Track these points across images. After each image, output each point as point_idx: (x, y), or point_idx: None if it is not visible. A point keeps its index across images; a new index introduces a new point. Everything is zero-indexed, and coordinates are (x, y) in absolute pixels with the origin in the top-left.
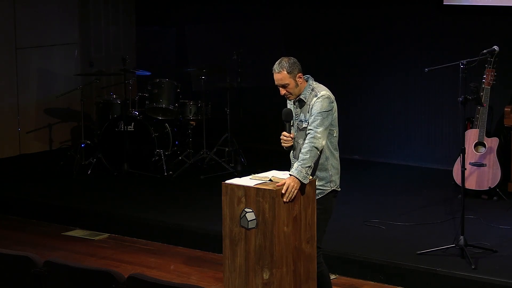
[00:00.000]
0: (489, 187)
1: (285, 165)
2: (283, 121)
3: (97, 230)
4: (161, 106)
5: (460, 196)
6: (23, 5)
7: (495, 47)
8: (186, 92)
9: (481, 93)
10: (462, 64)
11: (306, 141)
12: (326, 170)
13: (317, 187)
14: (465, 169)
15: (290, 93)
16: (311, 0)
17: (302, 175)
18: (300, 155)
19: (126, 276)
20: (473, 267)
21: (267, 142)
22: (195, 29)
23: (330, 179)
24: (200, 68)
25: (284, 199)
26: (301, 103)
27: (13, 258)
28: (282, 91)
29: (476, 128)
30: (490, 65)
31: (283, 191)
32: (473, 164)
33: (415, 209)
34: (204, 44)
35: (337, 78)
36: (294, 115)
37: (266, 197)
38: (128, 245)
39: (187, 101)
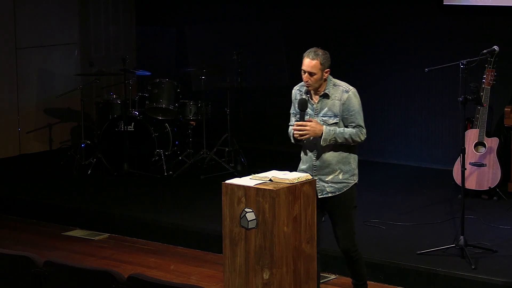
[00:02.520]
0: (489, 187)
1: (285, 165)
2: (299, 110)
3: (97, 230)
4: (161, 106)
5: (460, 196)
6: (23, 5)
7: (495, 47)
8: (186, 92)
9: (481, 93)
10: (462, 64)
11: (356, 129)
12: (349, 163)
13: (342, 180)
14: (465, 169)
15: (312, 84)
16: (311, 0)
17: (329, 135)
18: (347, 128)
19: (126, 276)
20: (473, 267)
21: (267, 142)
22: (195, 29)
23: (354, 172)
24: (200, 68)
25: (295, 133)
26: (325, 98)
27: (13, 258)
28: (306, 78)
29: (476, 128)
30: (490, 65)
31: (296, 126)
32: (473, 164)
33: (415, 209)
34: (204, 44)
35: (337, 78)
36: (313, 110)
37: (266, 197)
38: (128, 245)
39: (187, 101)
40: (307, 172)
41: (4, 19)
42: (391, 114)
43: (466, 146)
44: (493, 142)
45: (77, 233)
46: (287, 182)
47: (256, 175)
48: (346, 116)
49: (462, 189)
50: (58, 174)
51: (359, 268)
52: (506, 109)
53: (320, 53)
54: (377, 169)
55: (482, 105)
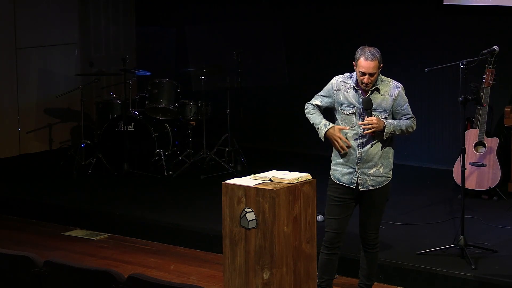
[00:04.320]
0: (489, 187)
1: (285, 165)
2: (365, 109)
3: (97, 230)
4: (161, 106)
5: (460, 196)
6: (23, 5)
7: (495, 47)
8: (186, 92)
9: (481, 93)
10: (462, 64)
11: (409, 121)
12: (388, 158)
13: (383, 174)
14: (465, 169)
15: (370, 82)
16: (311, 0)
17: (390, 127)
18: (402, 120)
19: (126, 276)
20: (473, 267)
21: (267, 142)
22: (195, 29)
23: (391, 167)
24: (200, 68)
25: (363, 126)
26: (376, 92)
27: (13, 258)
28: (366, 79)
29: (476, 128)
30: (490, 65)
31: (365, 121)
32: (473, 164)
33: (415, 209)
34: (204, 44)
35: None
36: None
37: (266, 197)
38: (128, 245)
39: (187, 101)
40: (347, 165)
41: (4, 19)
42: None
43: (466, 146)
44: (493, 142)
45: (77, 233)
46: (287, 182)
47: (256, 175)
48: (398, 110)
49: (462, 189)
50: (58, 174)
51: (373, 264)
52: (506, 109)
53: (376, 53)
54: None
55: (482, 105)
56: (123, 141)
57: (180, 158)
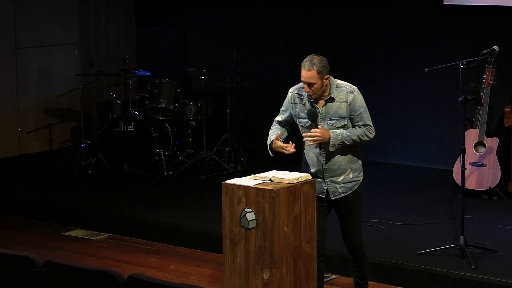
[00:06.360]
0: (489, 187)
1: (285, 165)
2: (310, 120)
3: (97, 230)
4: (161, 106)
5: (460, 196)
6: (23, 5)
7: (495, 47)
8: (186, 92)
9: (481, 93)
10: (462, 64)
11: (363, 129)
12: (356, 161)
13: (352, 179)
14: (465, 169)
15: (313, 93)
16: (311, 0)
17: (336, 140)
18: (354, 129)
19: (126, 276)
20: (473, 267)
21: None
22: (195, 29)
23: (361, 169)
24: (200, 68)
25: (305, 139)
26: (330, 101)
27: (13, 258)
28: (306, 88)
29: (476, 128)
30: (490, 65)
31: (308, 134)
32: (473, 164)
33: (415, 209)
34: (204, 44)
35: (337, 78)
36: (319, 114)
37: (266, 197)
38: (128, 245)
39: (187, 101)
40: (317, 175)
41: (4, 19)
42: (391, 114)
43: (466, 146)
44: (493, 142)
45: (77, 233)
46: (287, 182)
47: (256, 175)
48: (352, 116)
49: (462, 189)
50: (58, 174)
51: (364, 266)
52: (506, 109)
53: (316, 62)
54: (377, 169)
55: (482, 105)
56: (123, 141)
57: (180, 158)
